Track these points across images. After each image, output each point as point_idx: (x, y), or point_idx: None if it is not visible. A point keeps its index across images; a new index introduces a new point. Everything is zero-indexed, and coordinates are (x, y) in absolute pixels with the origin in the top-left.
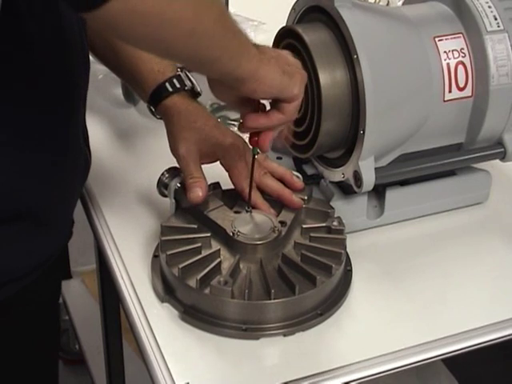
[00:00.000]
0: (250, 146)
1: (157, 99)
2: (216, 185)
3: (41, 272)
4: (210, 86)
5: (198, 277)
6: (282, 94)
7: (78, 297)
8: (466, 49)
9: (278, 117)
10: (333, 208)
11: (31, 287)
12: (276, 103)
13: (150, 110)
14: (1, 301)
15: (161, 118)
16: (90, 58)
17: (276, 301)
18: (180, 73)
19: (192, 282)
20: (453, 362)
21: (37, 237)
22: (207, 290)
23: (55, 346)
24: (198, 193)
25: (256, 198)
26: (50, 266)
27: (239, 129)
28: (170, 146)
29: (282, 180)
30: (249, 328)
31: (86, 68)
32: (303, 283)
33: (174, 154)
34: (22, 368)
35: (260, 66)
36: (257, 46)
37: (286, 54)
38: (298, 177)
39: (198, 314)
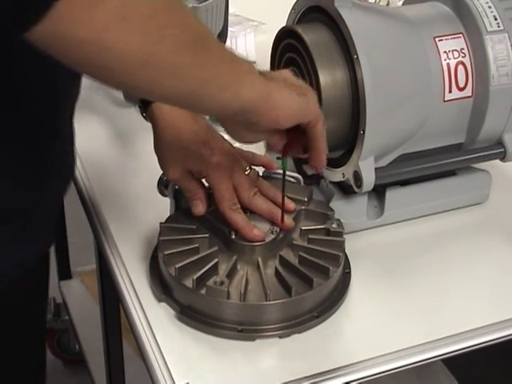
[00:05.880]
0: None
1: (146, 102)
2: None
3: (22, 272)
4: (228, 132)
5: (195, 277)
6: (305, 118)
7: (78, 297)
8: (466, 49)
9: (323, 138)
10: (332, 210)
11: (12, 286)
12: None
13: (142, 114)
14: None
15: None
16: None
17: (272, 302)
18: None
19: (188, 282)
20: (453, 362)
21: (20, 238)
22: (203, 291)
23: (40, 338)
24: (199, 207)
25: (239, 219)
26: (33, 267)
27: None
28: (160, 167)
29: (273, 201)
30: (244, 329)
31: (73, 78)
32: (300, 285)
33: (165, 175)
34: (7, 358)
35: (270, 92)
36: (260, 71)
37: (288, 74)
38: (297, 178)
39: (195, 315)
